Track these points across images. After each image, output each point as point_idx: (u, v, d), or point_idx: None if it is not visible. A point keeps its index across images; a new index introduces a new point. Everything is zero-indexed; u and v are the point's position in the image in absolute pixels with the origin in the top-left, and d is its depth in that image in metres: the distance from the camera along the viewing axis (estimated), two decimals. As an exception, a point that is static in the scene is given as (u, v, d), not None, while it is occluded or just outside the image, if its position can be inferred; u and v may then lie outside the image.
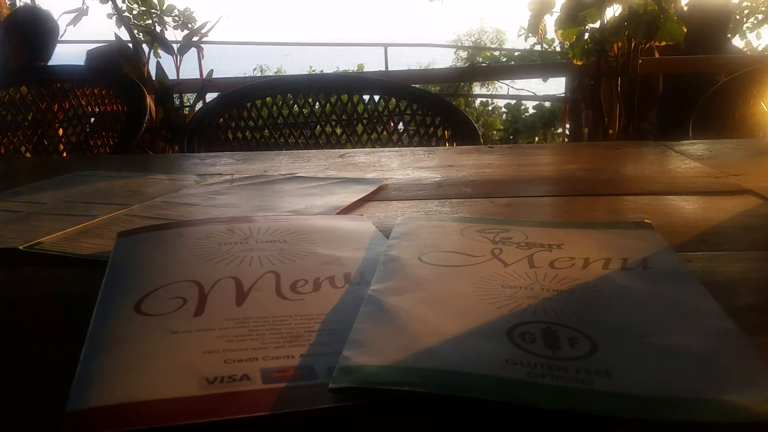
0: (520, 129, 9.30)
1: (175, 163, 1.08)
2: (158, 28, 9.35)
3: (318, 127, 1.92)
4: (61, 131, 1.89)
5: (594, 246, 0.57)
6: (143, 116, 1.75)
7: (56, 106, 1.88)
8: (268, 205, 0.77)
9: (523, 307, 0.44)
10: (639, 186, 0.80)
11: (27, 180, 0.96)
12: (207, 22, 7.50)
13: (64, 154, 1.89)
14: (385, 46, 8.26)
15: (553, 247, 0.57)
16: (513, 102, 8.80)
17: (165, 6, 8.72)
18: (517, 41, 10.10)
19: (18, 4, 3.63)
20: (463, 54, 12.15)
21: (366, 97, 1.85)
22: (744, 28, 7.68)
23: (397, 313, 0.43)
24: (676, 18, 1.82)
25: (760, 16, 7.81)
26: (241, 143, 1.75)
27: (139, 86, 1.78)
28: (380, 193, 0.81)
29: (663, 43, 1.87)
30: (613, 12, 1.90)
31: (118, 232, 0.61)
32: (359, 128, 1.86)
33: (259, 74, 13.50)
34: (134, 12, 9.00)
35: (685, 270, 0.50)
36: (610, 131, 2.04)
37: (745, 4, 7.83)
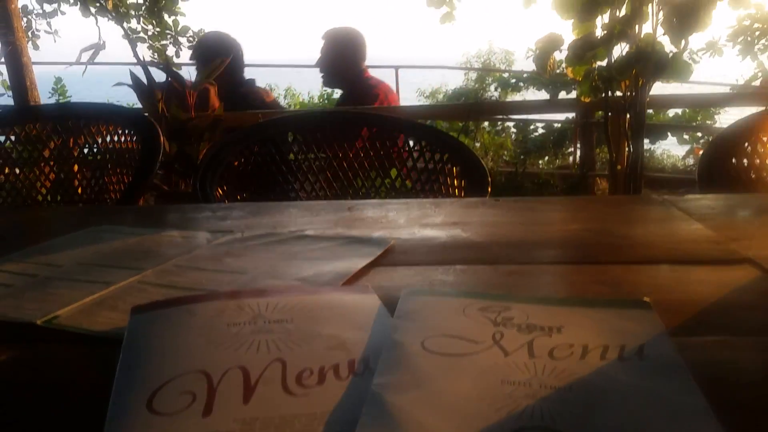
0: (530, 149, 9.32)
1: (187, 215, 1.11)
2: (173, 49, 9.39)
3: (328, 162, 1.94)
4: (76, 167, 1.93)
5: (593, 330, 0.59)
6: (158, 155, 1.78)
7: (72, 142, 1.92)
8: (276, 271, 0.79)
9: (521, 408, 0.46)
10: (641, 252, 0.82)
11: (44, 235, 0.99)
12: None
13: (79, 190, 1.93)
14: (396, 67, 8.37)
15: (553, 330, 0.59)
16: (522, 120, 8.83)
17: (179, 27, 8.83)
18: (525, 62, 10.21)
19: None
20: (473, 75, 12.23)
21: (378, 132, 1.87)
22: (756, 50, 7.67)
23: (398, 417, 0.44)
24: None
25: (772, 37, 7.80)
26: (253, 182, 1.78)
27: (154, 125, 1.81)
28: (387, 257, 0.83)
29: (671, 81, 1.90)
30: (620, 50, 1.92)
31: (132, 307, 0.63)
32: (370, 165, 1.89)
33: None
34: (149, 33, 9.11)
35: (679, 363, 0.52)
36: (618, 167, 2.05)
37: (756, 25, 7.80)
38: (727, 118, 9.31)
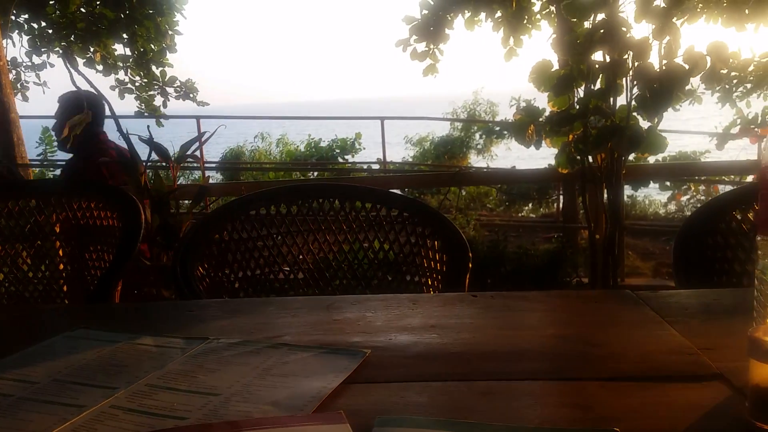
0: (515, 196, 9.42)
1: (164, 314, 1.11)
2: (160, 99, 9.43)
3: (311, 235, 1.95)
4: (57, 243, 1.92)
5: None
6: (139, 233, 1.78)
7: (54, 218, 1.92)
8: (250, 392, 0.79)
9: None
10: (613, 367, 0.83)
11: (17, 339, 0.99)
12: (203, 101, 7.57)
13: (60, 266, 1.92)
14: (382, 119, 8.47)
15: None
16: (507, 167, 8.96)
17: (167, 78, 8.87)
18: (509, 110, 10.43)
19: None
20: (459, 125, 12.46)
21: (359, 204, 1.89)
22: (734, 97, 7.84)
23: None
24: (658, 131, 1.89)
25: (749, 85, 7.99)
26: (236, 258, 1.78)
27: (135, 202, 1.82)
28: (363, 371, 0.83)
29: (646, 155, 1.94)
30: (596, 123, 1.97)
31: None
32: (352, 238, 1.89)
33: (260, 141, 13.79)
34: (137, 84, 9.15)
35: None
36: (597, 236, 2.08)
37: (733, 74, 7.97)
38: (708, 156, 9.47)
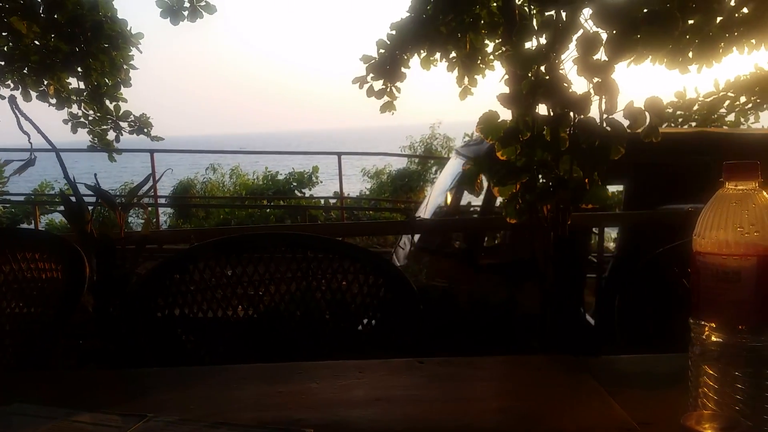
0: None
1: (104, 384, 1.08)
2: (113, 134, 9.32)
3: (261, 285, 1.93)
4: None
5: None
6: (82, 287, 1.74)
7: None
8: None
9: None
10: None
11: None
12: (157, 136, 7.42)
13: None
14: (339, 154, 8.52)
15: None
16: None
17: (121, 112, 8.77)
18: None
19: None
20: (416, 160, 12.64)
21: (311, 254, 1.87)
22: (678, 137, 8.13)
23: None
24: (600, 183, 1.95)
25: (693, 123, 8.29)
26: (183, 309, 1.74)
27: (79, 253, 1.77)
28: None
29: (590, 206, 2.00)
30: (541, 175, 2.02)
31: None
32: (304, 286, 1.88)
33: (212, 173, 13.64)
34: (90, 118, 9.02)
35: None
36: (546, 287, 2.11)
37: (679, 112, 8.25)
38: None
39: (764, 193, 0.70)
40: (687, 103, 7.35)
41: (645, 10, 1.90)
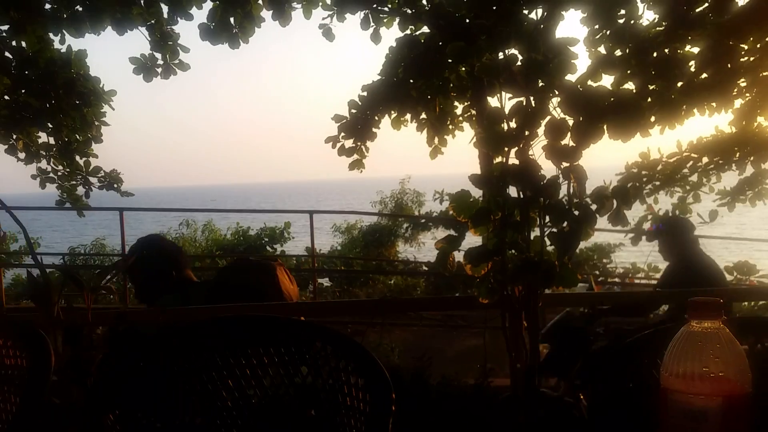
0: (443, 288, 9.51)
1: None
2: (82, 190, 9.23)
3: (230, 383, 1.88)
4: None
5: None
6: (48, 373, 1.69)
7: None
8: None
9: None
10: None
11: None
12: (127, 192, 7.35)
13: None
14: (311, 212, 8.53)
15: None
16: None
17: (91, 167, 8.70)
18: (434, 204, 10.88)
19: None
20: (386, 218, 12.75)
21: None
22: (645, 192, 8.32)
23: None
24: (570, 265, 1.99)
25: (657, 182, 8.51)
26: (151, 394, 1.70)
27: (44, 340, 1.73)
28: None
29: (560, 289, 2.03)
30: (512, 253, 2.05)
31: None
32: (273, 371, 1.85)
33: (185, 228, 13.52)
34: (59, 173, 8.92)
35: None
36: (518, 365, 2.12)
37: (644, 172, 8.43)
38: (621, 255, 9.98)
39: (727, 331, 0.72)
40: (651, 163, 7.55)
41: (611, 99, 1.97)
